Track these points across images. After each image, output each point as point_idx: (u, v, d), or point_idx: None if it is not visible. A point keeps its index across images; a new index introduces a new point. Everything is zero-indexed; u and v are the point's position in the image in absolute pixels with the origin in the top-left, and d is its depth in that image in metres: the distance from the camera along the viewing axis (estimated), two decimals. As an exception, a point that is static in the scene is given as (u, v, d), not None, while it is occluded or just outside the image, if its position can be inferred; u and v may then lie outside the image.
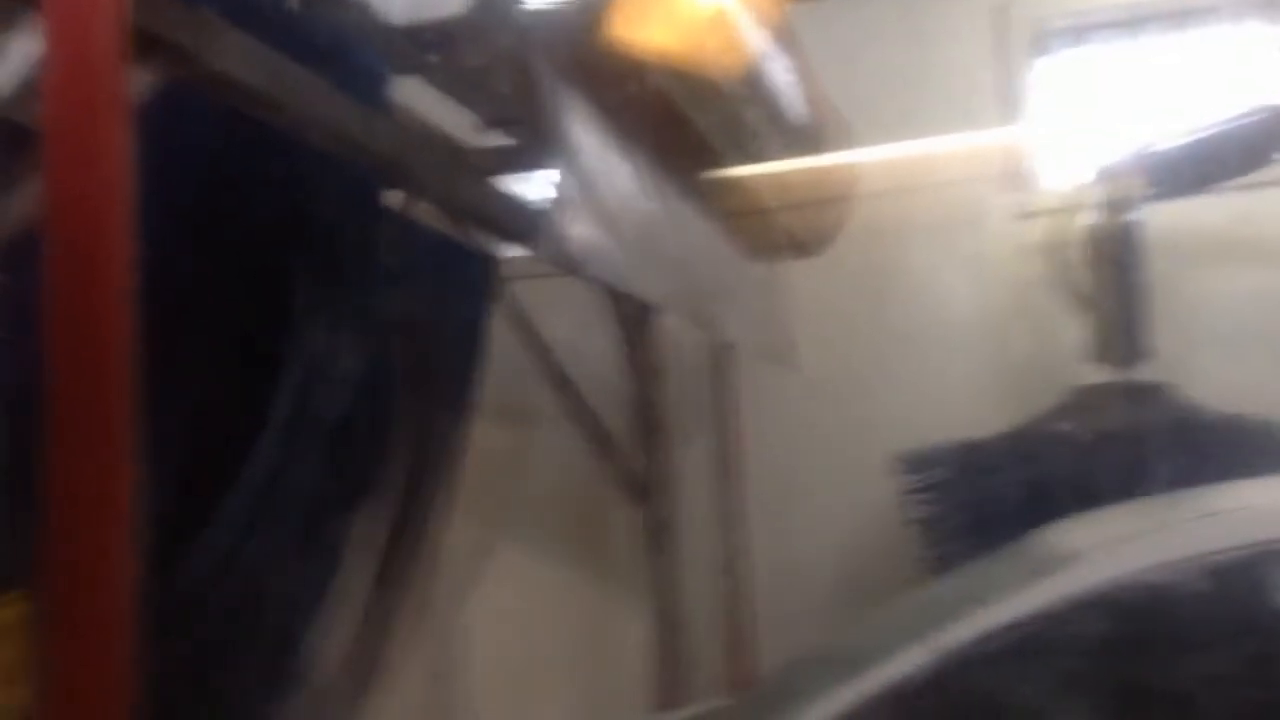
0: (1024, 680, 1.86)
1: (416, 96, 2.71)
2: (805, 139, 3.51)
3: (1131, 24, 4.68)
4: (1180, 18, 4.61)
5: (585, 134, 2.54)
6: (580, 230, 2.40)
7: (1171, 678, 1.84)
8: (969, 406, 4.35)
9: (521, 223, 3.01)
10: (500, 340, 3.49)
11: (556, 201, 2.38)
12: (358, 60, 2.33)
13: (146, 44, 1.76)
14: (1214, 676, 1.81)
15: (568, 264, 2.48)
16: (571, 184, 2.42)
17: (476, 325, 3.26)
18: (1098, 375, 4.06)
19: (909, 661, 1.85)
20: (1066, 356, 4.15)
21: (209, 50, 1.97)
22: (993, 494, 4.02)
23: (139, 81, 1.79)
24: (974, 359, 4.56)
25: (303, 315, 2.44)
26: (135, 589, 1.53)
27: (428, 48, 2.32)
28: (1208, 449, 3.72)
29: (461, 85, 2.57)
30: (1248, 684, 1.81)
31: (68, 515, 1.52)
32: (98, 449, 1.55)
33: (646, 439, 4.22)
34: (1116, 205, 4.02)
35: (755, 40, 3.01)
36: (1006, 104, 4.67)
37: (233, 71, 2.06)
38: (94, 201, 1.58)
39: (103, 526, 1.53)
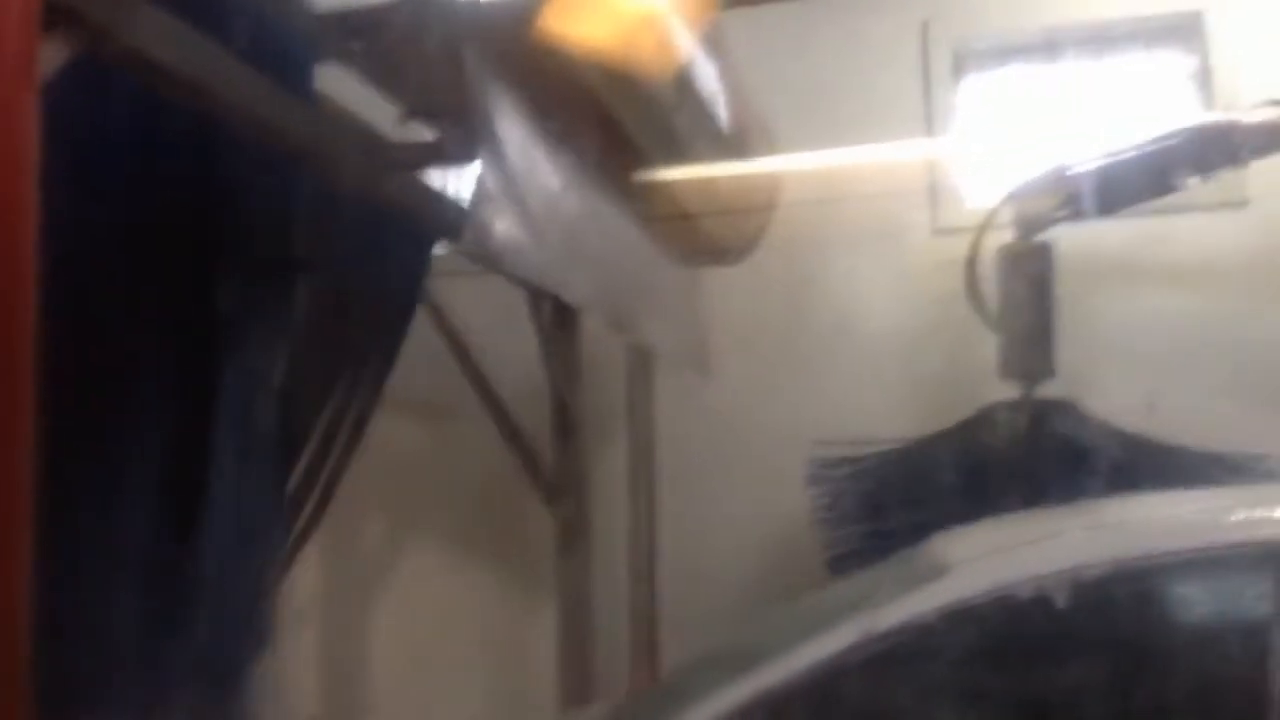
0: (896, 688, 1.89)
1: (339, 88, 2.65)
2: (731, 146, 3.51)
3: (1050, 49, 4.79)
4: (1097, 44, 4.74)
5: (512, 129, 2.50)
6: (502, 227, 2.37)
7: (1034, 689, 1.87)
8: (884, 417, 4.41)
9: (445, 218, 2.96)
10: (418, 336, 3.42)
11: (479, 197, 2.33)
12: (279, 43, 2.26)
13: (56, 16, 1.67)
14: (1075, 689, 1.85)
15: (489, 260, 2.44)
16: (495, 180, 2.38)
17: (408, 304, 3.22)
18: (1007, 390, 4.13)
19: (783, 668, 1.86)
20: (980, 371, 4.22)
21: (121, 25, 1.89)
22: (899, 501, 4.08)
23: (49, 55, 1.70)
24: (890, 371, 4.62)
25: (228, 300, 2.38)
26: (31, 582, 1.46)
27: (354, 34, 2.27)
28: (1112, 465, 3.83)
29: (387, 74, 2.51)
30: (1108, 696, 1.85)
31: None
32: None
33: (561, 439, 4.18)
34: (1029, 225, 4.09)
35: (686, 45, 3.00)
36: (929, 120, 4.74)
37: (146, 49, 1.98)
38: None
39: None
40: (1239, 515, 2.05)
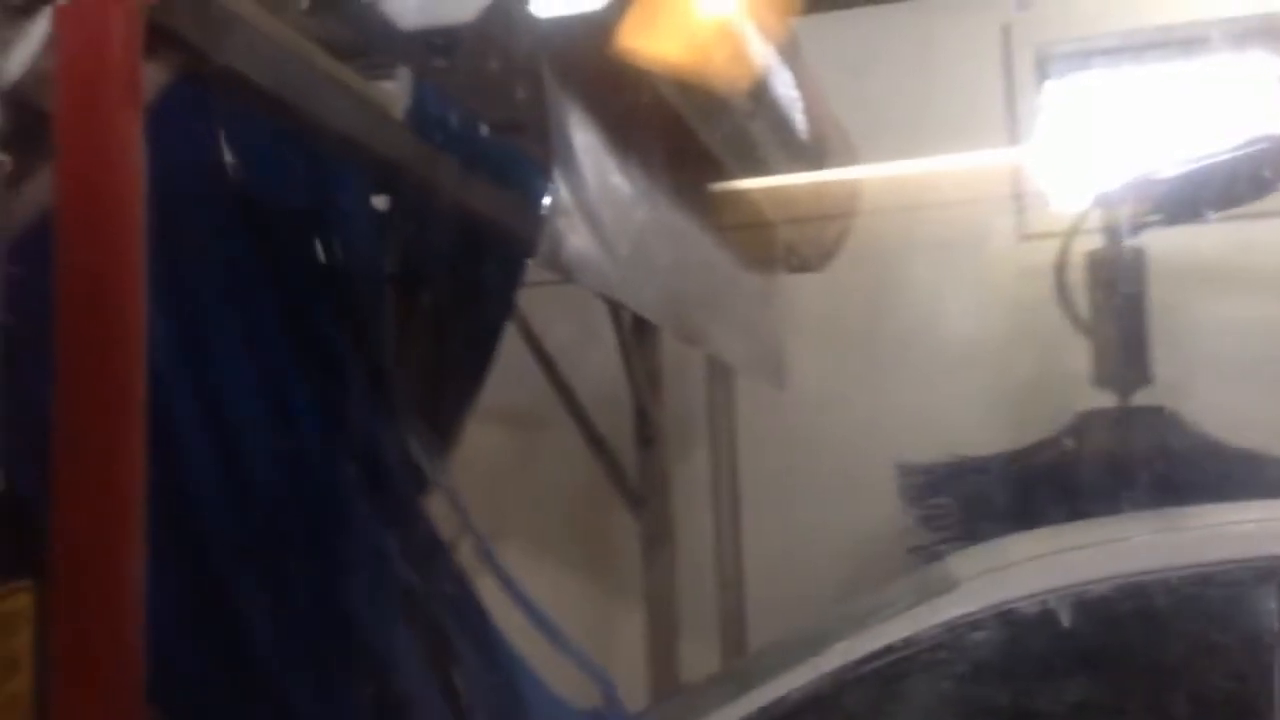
0: (897, 704, 1.88)
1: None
2: (809, 154, 3.53)
3: (1135, 51, 4.72)
4: (1184, 46, 4.65)
5: (587, 143, 2.55)
6: (574, 240, 2.42)
7: (1036, 707, 1.85)
8: (968, 427, 4.37)
9: (528, 231, 3.03)
10: (503, 346, 3.51)
11: (552, 211, 2.39)
12: None
13: (157, 39, 1.77)
14: (1076, 707, 1.82)
15: (561, 273, 2.50)
16: (568, 193, 2.43)
17: (500, 318, 3.32)
18: (1099, 399, 4.08)
19: (784, 684, 1.88)
20: (1068, 379, 4.16)
21: (218, 46, 1.98)
22: (992, 515, 4.03)
23: (152, 78, 1.80)
24: (974, 380, 4.57)
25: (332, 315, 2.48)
26: (142, 580, 1.53)
27: (438, 51, 2.36)
28: (1209, 475, 3.75)
29: (470, 90, 2.60)
30: (1110, 715, 1.83)
31: (75, 505, 1.52)
32: (106, 441, 1.55)
33: (642, 448, 4.24)
34: (1118, 230, 4.04)
35: (762, 54, 3.03)
36: (1012, 125, 4.70)
37: (242, 68, 2.08)
38: (107, 193, 1.59)
39: (111, 517, 1.54)
40: (1246, 529, 2.00)
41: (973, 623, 1.84)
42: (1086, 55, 4.79)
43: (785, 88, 3.15)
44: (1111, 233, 4.04)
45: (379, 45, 2.41)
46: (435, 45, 2.21)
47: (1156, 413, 4.03)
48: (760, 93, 3.00)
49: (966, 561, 2.28)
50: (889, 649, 1.84)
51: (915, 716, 1.89)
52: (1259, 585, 1.80)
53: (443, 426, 3.14)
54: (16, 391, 1.58)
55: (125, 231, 1.60)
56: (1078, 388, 4.14)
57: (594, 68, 2.42)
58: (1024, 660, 1.89)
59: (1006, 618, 1.84)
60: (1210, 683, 1.79)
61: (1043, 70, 4.79)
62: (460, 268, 3.09)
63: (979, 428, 4.35)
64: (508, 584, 2.97)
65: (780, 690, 1.86)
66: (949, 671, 1.86)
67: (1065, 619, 1.79)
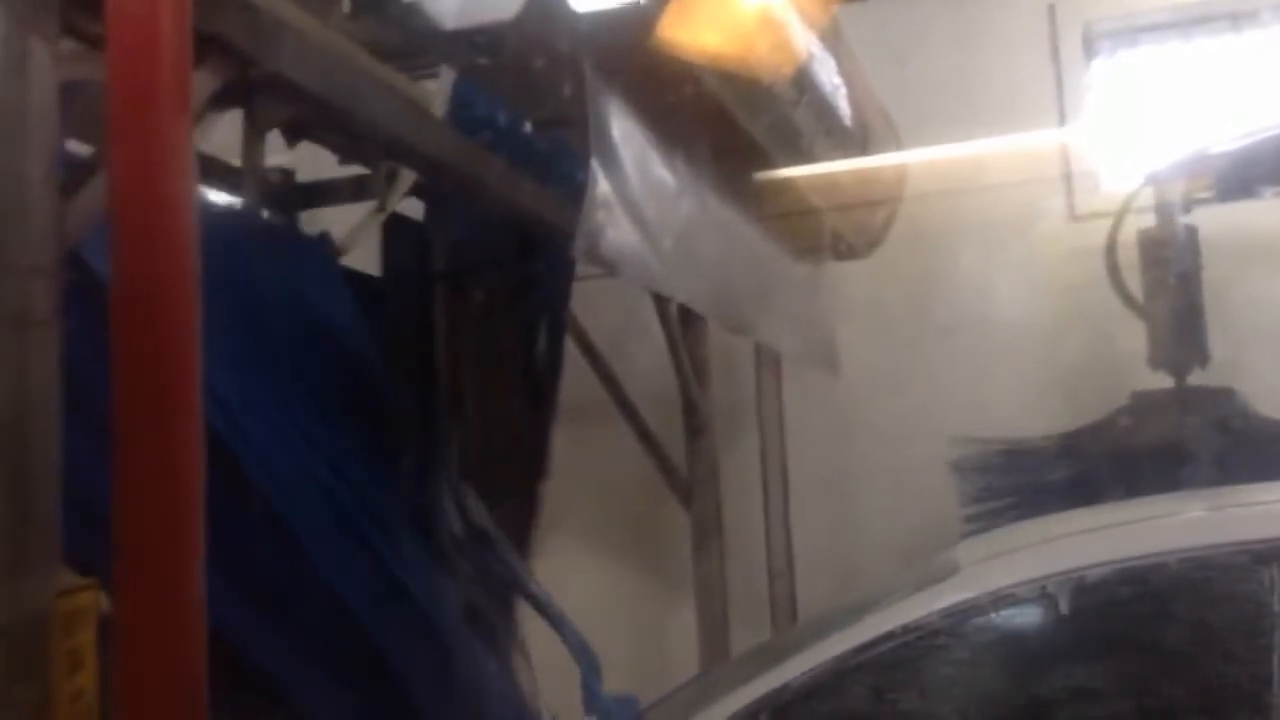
0: (897, 688, 1.89)
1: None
2: (854, 141, 3.51)
3: (1184, 26, 4.64)
4: (1231, 20, 4.57)
5: (628, 136, 2.56)
6: (614, 234, 2.42)
7: (1035, 693, 1.85)
8: (1021, 411, 4.33)
9: (569, 225, 3.05)
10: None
11: (589, 205, 2.40)
12: None
13: (206, 47, 1.80)
14: (1076, 692, 1.81)
15: (601, 266, 2.51)
16: (608, 187, 2.44)
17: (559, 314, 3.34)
18: (1155, 379, 4.02)
19: (791, 669, 1.89)
20: (1123, 361, 4.11)
21: (266, 53, 2.01)
22: (1048, 499, 4.00)
23: (201, 85, 1.83)
24: (1026, 362, 4.53)
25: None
26: (204, 575, 1.56)
27: (481, 50, 2.37)
28: (1265, 454, 3.69)
29: (513, 87, 2.61)
30: (1108, 700, 1.81)
31: (137, 504, 1.55)
32: (165, 442, 1.58)
33: (691, 439, 4.24)
34: (1170, 208, 3.98)
35: (804, 42, 3.02)
36: (1061, 105, 4.65)
37: (290, 74, 2.10)
38: (158, 198, 1.62)
39: (172, 515, 1.57)
40: (1249, 512, 1.97)
41: (971, 608, 1.84)
42: (1134, 33, 4.72)
43: (829, 75, 3.13)
44: (1163, 211, 3.98)
45: (423, 47, 2.43)
46: (478, 44, 2.23)
47: (1213, 392, 3.97)
48: (804, 81, 2.99)
49: (973, 548, 2.27)
50: (889, 635, 1.85)
51: (916, 701, 1.89)
52: (1259, 568, 1.77)
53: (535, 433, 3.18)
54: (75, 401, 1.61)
55: (178, 236, 1.63)
56: (1133, 369, 4.09)
57: (636, 61, 2.42)
58: (1022, 645, 1.89)
59: (1005, 603, 1.83)
60: (1211, 667, 1.77)
61: (1090, 49, 4.73)
62: (510, 264, 3.11)
63: (1032, 412, 4.31)
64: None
65: (784, 677, 1.87)
66: (948, 657, 1.86)
67: (1064, 604, 1.78)
